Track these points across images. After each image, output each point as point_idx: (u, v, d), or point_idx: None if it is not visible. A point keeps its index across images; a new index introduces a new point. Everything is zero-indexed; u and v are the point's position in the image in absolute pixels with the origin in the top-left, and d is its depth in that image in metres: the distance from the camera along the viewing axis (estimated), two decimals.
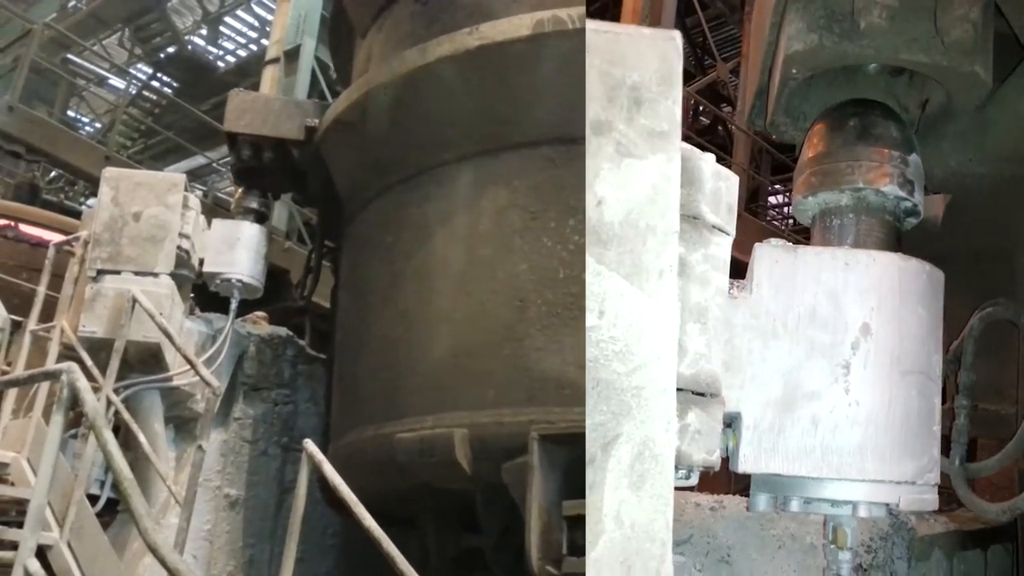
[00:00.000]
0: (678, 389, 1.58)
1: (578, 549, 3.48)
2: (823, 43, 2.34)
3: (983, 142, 2.83)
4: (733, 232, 1.81)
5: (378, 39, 5.23)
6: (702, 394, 1.70)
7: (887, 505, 2.12)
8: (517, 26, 4.25)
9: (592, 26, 1.60)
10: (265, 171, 5.65)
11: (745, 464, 1.99)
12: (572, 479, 3.72)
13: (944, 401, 2.51)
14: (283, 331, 6.03)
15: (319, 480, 4.57)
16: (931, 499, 2.17)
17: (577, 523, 3.48)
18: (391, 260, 4.69)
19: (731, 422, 2.00)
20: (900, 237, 2.40)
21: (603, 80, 1.55)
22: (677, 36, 1.62)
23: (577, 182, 4.09)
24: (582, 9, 4.19)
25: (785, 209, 17.86)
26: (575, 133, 4.04)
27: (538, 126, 4.26)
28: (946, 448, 2.93)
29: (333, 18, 6.25)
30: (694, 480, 1.72)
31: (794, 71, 2.43)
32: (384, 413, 4.43)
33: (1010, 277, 3.17)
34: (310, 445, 3.55)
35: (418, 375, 4.32)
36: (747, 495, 2.20)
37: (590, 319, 1.48)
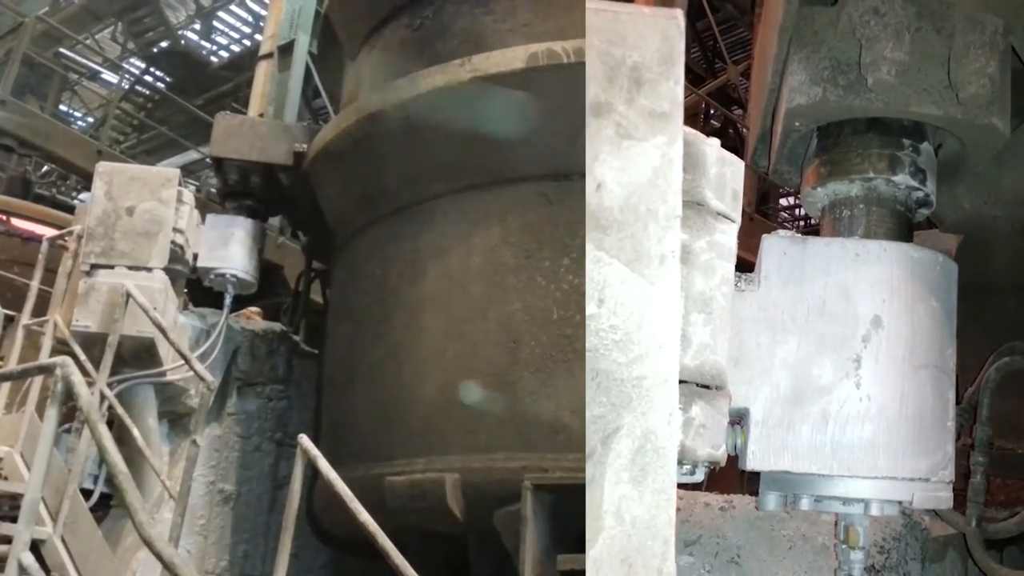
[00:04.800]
0: (682, 381, 1.52)
1: None
2: (827, 97, 2.19)
3: (998, 185, 2.71)
4: (739, 220, 1.74)
5: (368, 63, 5.08)
6: (707, 387, 1.64)
7: (900, 503, 2.06)
8: (511, 59, 4.11)
9: (592, 5, 1.55)
10: (253, 196, 5.56)
11: (753, 461, 1.94)
12: (567, 529, 3.63)
13: (958, 438, 2.42)
14: (277, 326, 6.01)
15: (308, 516, 4.45)
16: (945, 497, 2.11)
17: None
18: (381, 294, 4.56)
19: (739, 418, 1.95)
20: (912, 228, 2.33)
21: (602, 60, 1.50)
22: (679, 15, 1.56)
23: (572, 219, 3.96)
24: (578, 42, 4.00)
25: (797, 211, 17.82)
26: (569, 169, 3.91)
27: (531, 161, 4.12)
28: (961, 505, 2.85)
29: (321, 34, 6.03)
30: (699, 476, 1.65)
31: (797, 124, 2.31)
32: (373, 453, 4.32)
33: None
34: (304, 440, 3.50)
35: (408, 416, 4.21)
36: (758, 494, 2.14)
37: (589, 308, 1.42)
